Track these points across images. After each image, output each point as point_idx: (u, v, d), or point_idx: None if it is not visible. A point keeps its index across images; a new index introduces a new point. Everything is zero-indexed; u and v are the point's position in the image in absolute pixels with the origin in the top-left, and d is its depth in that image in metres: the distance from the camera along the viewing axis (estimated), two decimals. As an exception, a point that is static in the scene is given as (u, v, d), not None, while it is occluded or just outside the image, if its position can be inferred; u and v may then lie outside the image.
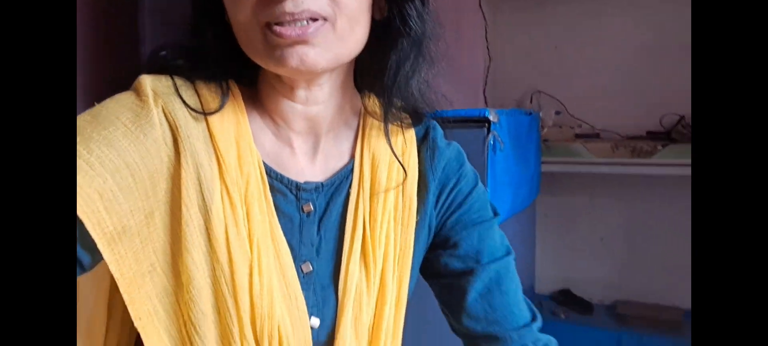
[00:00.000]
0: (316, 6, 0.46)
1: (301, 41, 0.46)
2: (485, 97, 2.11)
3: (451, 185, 0.61)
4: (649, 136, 1.95)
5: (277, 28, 0.46)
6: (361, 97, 0.61)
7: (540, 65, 2.15)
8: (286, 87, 0.53)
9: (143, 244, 0.46)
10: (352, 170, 0.57)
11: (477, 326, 0.59)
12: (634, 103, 2.01)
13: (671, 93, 1.94)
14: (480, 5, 2.02)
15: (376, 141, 0.58)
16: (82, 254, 0.44)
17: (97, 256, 0.44)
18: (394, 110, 0.57)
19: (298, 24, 0.46)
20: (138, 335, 0.58)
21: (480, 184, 0.63)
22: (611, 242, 2.11)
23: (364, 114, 0.60)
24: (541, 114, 1.97)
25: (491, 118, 1.28)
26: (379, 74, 0.55)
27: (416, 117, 0.60)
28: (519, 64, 2.18)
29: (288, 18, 0.45)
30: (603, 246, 2.12)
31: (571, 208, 2.15)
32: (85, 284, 0.55)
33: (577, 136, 2.05)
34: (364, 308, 0.55)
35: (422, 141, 0.62)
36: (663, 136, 1.90)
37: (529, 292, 2.01)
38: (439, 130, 0.63)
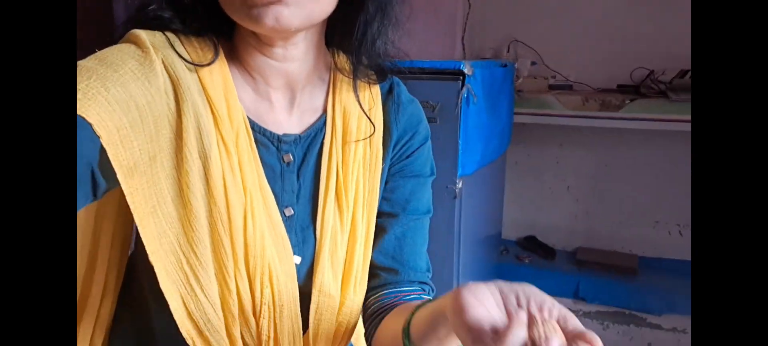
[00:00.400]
0: None
1: (276, 1, 0.49)
2: (463, 45, 2.11)
3: (406, 137, 0.66)
4: (619, 89, 2.00)
5: None
6: (331, 54, 0.64)
7: (519, 14, 2.15)
8: (264, 44, 0.56)
9: (148, 184, 0.49)
10: (325, 123, 0.61)
11: (384, 260, 0.66)
12: (608, 56, 2.04)
13: (644, 47, 1.97)
14: (461, -50, 1.99)
15: (346, 96, 0.62)
16: (99, 179, 0.46)
17: (111, 183, 0.47)
18: (361, 68, 0.61)
19: None
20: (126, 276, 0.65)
21: (429, 142, 0.69)
22: (577, 191, 2.19)
23: (334, 70, 0.63)
24: (516, 64, 1.98)
25: (466, 71, 1.29)
26: (348, 34, 0.59)
27: (381, 74, 0.64)
28: (498, 12, 2.17)
29: None
30: (569, 195, 2.20)
31: (540, 158, 2.21)
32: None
33: (551, 87, 2.08)
34: (338, 245, 0.61)
35: (387, 95, 0.66)
36: (632, 90, 1.94)
37: (497, 237, 2.10)
38: (403, 87, 0.68)
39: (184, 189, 0.51)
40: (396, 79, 0.67)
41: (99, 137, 0.44)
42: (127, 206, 0.49)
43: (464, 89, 1.29)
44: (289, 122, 0.60)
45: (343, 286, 0.63)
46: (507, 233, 2.27)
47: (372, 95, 0.64)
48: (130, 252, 0.67)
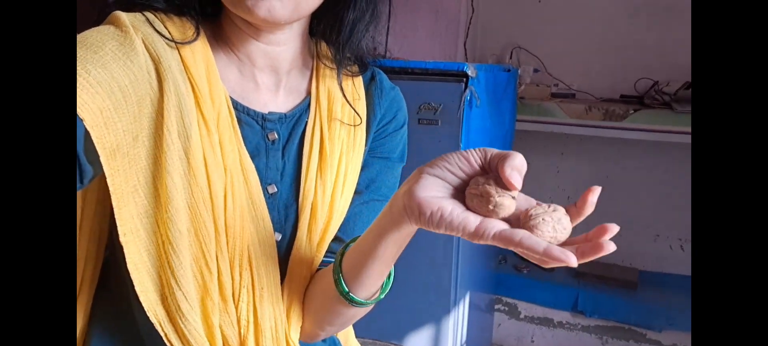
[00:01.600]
0: None
1: None
2: (465, 50, 2.08)
3: (386, 120, 0.68)
4: (622, 99, 1.97)
5: None
6: (314, 42, 0.66)
7: (522, 20, 2.12)
8: (252, 28, 0.58)
9: (130, 164, 0.48)
10: (309, 105, 0.63)
11: (338, 232, 0.67)
12: (611, 66, 2.02)
13: (648, 58, 1.95)
14: (466, -47, 1.96)
15: (330, 81, 0.65)
16: (86, 166, 0.46)
17: (97, 169, 0.46)
18: (345, 61, 0.64)
19: None
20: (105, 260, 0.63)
21: (405, 129, 0.71)
22: (577, 199, 2.15)
23: (317, 58, 0.65)
24: (519, 70, 1.95)
25: (469, 73, 1.26)
26: (333, 28, 0.62)
27: (362, 66, 0.67)
28: (502, 17, 2.15)
29: None
30: (569, 204, 2.16)
31: (540, 166, 2.18)
32: None
33: (553, 95, 2.05)
34: (318, 220, 0.62)
35: (370, 82, 0.69)
36: (635, 101, 1.91)
37: (495, 246, 2.05)
38: (384, 75, 0.71)
39: (162, 171, 0.50)
40: (376, 69, 0.70)
41: (82, 121, 0.43)
42: (107, 197, 0.48)
43: (467, 91, 1.26)
44: (274, 102, 0.62)
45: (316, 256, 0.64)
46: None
47: (355, 87, 0.66)
48: (107, 247, 0.63)
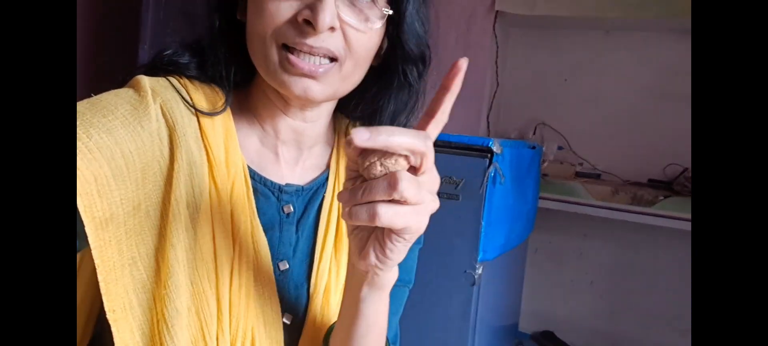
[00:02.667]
0: (333, 46, 0.51)
1: (310, 76, 0.51)
2: (488, 123, 2.06)
3: None
4: (650, 183, 1.90)
5: (292, 58, 0.50)
6: (339, 118, 0.66)
7: (547, 96, 2.10)
8: (282, 102, 0.57)
9: (128, 235, 0.47)
10: (327, 179, 0.62)
11: None
12: (638, 148, 1.97)
13: (677, 142, 1.90)
14: (494, 28, 1.97)
15: None
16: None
17: (83, 242, 0.45)
18: None
19: (312, 60, 0.51)
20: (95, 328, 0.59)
21: None
22: (600, 287, 2.05)
23: (339, 132, 0.65)
24: (543, 148, 1.91)
25: (495, 149, 1.22)
26: (372, 116, 0.62)
27: None
28: (526, 93, 2.13)
29: (306, 49, 0.50)
30: (591, 291, 2.06)
31: (562, 247, 2.09)
32: None
33: (578, 174, 2.00)
34: (331, 303, 0.59)
35: None
36: (664, 186, 1.84)
37: (513, 329, 1.95)
38: None
39: (166, 243, 0.48)
40: None
41: None
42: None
43: (491, 168, 1.21)
44: (292, 175, 0.60)
45: None
46: (524, 325, 2.12)
47: None
48: (96, 324, 0.58)
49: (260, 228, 0.55)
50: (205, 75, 0.56)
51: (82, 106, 0.47)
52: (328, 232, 0.60)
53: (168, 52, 0.55)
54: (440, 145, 1.29)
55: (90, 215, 0.43)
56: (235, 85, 0.58)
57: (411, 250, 0.66)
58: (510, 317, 1.83)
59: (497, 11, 1.96)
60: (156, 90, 0.51)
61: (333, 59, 0.52)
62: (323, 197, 0.61)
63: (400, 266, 0.65)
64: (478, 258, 1.24)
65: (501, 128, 2.16)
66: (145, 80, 0.51)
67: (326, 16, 0.49)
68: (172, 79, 0.54)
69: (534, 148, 1.64)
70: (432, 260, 1.27)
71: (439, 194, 1.38)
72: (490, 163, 1.22)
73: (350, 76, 0.55)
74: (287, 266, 0.58)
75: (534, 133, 2.10)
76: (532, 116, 2.11)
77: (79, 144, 0.43)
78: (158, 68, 0.55)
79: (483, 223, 1.23)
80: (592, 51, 2.05)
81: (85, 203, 0.43)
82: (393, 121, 0.61)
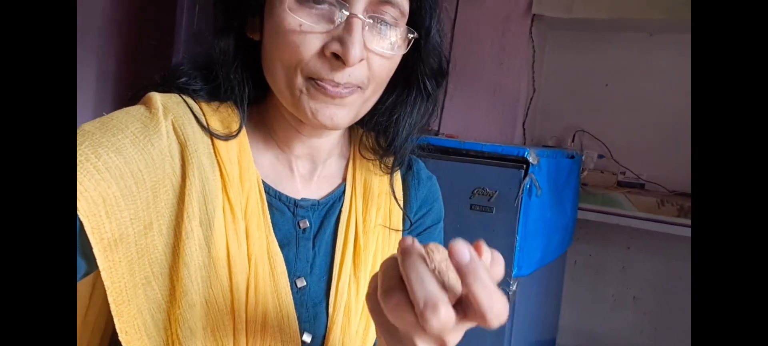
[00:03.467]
0: (358, 78, 0.50)
1: (336, 105, 0.50)
2: (524, 130, 1.99)
3: (421, 212, 0.65)
4: (699, 194, 1.79)
5: (322, 84, 0.49)
6: (355, 131, 0.64)
7: (586, 102, 2.02)
8: (298, 122, 0.56)
9: (140, 254, 0.46)
10: (344, 192, 0.60)
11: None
12: (685, 156, 1.86)
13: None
14: (530, 32, 1.91)
15: (366, 171, 0.62)
16: (79, 262, 0.43)
17: (92, 265, 0.44)
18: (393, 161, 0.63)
19: (338, 89, 0.50)
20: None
21: (441, 225, 0.68)
22: (644, 303, 1.95)
23: (355, 145, 0.63)
24: (583, 156, 1.83)
25: (531, 159, 1.17)
26: (388, 130, 0.60)
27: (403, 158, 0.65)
28: (564, 99, 2.06)
29: (334, 84, 0.49)
30: (635, 306, 1.96)
31: (604, 260, 2.00)
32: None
33: (620, 184, 1.90)
34: (352, 322, 0.57)
35: (407, 171, 0.66)
36: (715, 198, 1.74)
37: (550, 344, 1.87)
38: (421, 164, 0.68)
39: (179, 261, 0.47)
40: (412, 156, 0.68)
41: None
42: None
43: (527, 179, 1.16)
44: (307, 189, 0.59)
45: None
46: (562, 340, 2.03)
47: (398, 184, 0.64)
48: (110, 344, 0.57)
49: (276, 244, 0.54)
50: (219, 96, 0.55)
51: (91, 125, 0.46)
52: (346, 247, 0.58)
53: (182, 79, 0.54)
54: (473, 155, 1.25)
55: (98, 236, 0.42)
56: (251, 101, 0.57)
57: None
58: (547, 332, 1.76)
59: (534, 15, 1.90)
60: (167, 107, 0.50)
61: (358, 86, 0.52)
62: (340, 211, 0.59)
63: None
64: (513, 274, 1.20)
65: (537, 136, 2.09)
66: (157, 97, 0.50)
67: (357, 50, 0.47)
68: (185, 97, 0.53)
69: (573, 157, 1.57)
70: (464, 275, 1.22)
71: (472, 206, 1.34)
72: (526, 174, 1.16)
73: (370, 99, 0.54)
74: (305, 283, 0.56)
75: (573, 141, 2.02)
76: (571, 123, 2.03)
77: (87, 164, 0.42)
78: (170, 86, 0.54)
79: (518, 237, 1.18)
80: (634, 54, 1.96)
81: (92, 225, 0.42)
82: (411, 132, 0.60)
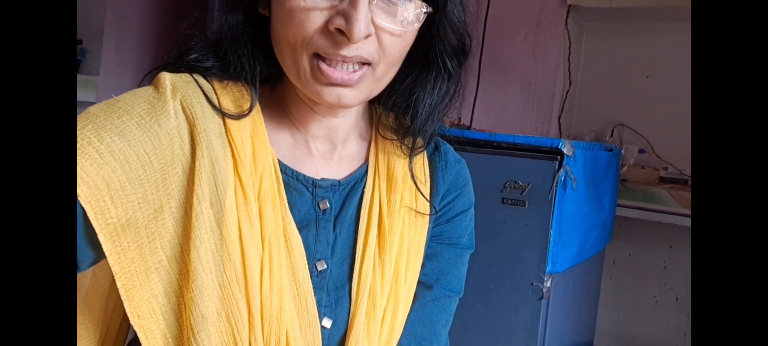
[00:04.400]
0: (367, 52, 0.48)
1: (344, 85, 0.49)
2: (560, 125, 1.93)
3: (450, 196, 0.63)
4: (748, 191, 1.70)
5: (325, 68, 0.48)
6: (375, 110, 0.63)
7: (626, 95, 1.94)
8: (314, 103, 0.55)
9: (150, 238, 0.45)
10: (366, 172, 0.59)
11: (403, 337, 0.59)
12: (734, 151, 1.76)
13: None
14: (566, 23, 1.85)
15: (390, 152, 0.60)
16: (85, 250, 0.43)
17: (100, 253, 0.43)
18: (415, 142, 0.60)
19: (345, 67, 0.48)
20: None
21: (472, 211, 0.65)
22: (688, 304, 1.86)
23: (377, 126, 0.61)
24: (622, 150, 1.76)
25: (565, 150, 1.12)
26: (407, 109, 0.58)
27: (428, 140, 0.62)
28: (602, 92, 1.99)
29: (339, 58, 0.48)
30: (677, 308, 1.87)
31: (644, 259, 1.92)
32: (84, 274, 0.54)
33: (662, 179, 1.82)
34: (377, 308, 0.56)
35: (434, 153, 0.64)
36: (766, 194, 1.64)
37: (587, 347, 1.81)
38: (449, 147, 0.66)
39: (191, 241, 0.47)
40: (439, 138, 0.66)
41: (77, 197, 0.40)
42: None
43: (562, 171, 1.11)
44: (327, 169, 0.58)
45: None
46: (600, 342, 1.96)
47: (424, 167, 0.62)
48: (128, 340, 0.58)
49: (293, 225, 0.52)
50: (230, 77, 0.54)
51: (97, 108, 0.46)
52: (369, 229, 0.56)
53: (192, 56, 0.53)
54: (505, 146, 1.21)
55: (102, 221, 0.42)
56: (264, 79, 0.56)
57: (458, 255, 0.62)
58: (583, 334, 1.69)
59: (569, 5, 1.84)
60: (176, 86, 0.49)
61: (366, 63, 0.50)
62: (362, 192, 0.58)
63: (448, 272, 0.61)
64: (547, 270, 1.15)
65: (574, 131, 2.03)
66: (166, 77, 0.50)
67: (361, 25, 0.46)
68: (197, 76, 0.53)
69: (611, 150, 1.51)
70: (496, 271, 1.19)
71: (504, 199, 1.30)
72: (560, 166, 1.12)
73: (383, 77, 0.52)
74: (325, 267, 0.55)
75: (611, 136, 1.95)
76: (610, 117, 1.96)
77: (89, 149, 0.42)
78: (185, 67, 0.54)
79: (552, 232, 1.13)
80: (676, 44, 1.87)
81: (96, 210, 0.41)
82: (431, 113, 0.58)
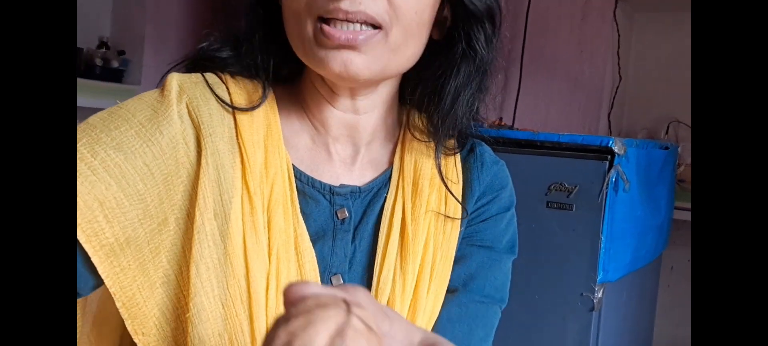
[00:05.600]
0: (373, 9, 0.45)
1: (349, 46, 0.45)
2: (610, 123, 1.84)
3: (486, 199, 0.58)
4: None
5: (326, 28, 0.45)
6: (405, 111, 0.59)
7: (681, 89, 1.83)
8: (329, 91, 0.52)
9: (154, 253, 0.44)
10: (390, 177, 0.55)
11: None
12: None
13: None
14: (614, 15, 1.76)
15: (419, 154, 0.56)
16: (84, 275, 0.41)
17: (100, 279, 0.42)
18: (444, 136, 0.56)
19: (350, 27, 0.45)
20: None
21: (512, 213, 0.60)
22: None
23: (405, 127, 0.57)
24: (679, 148, 1.66)
25: (616, 149, 1.06)
26: (433, 97, 0.54)
27: (461, 141, 0.58)
28: (655, 86, 1.89)
29: (341, 16, 0.44)
30: (745, 318, 1.74)
31: (706, 265, 1.80)
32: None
33: (724, 179, 1.70)
34: None
35: (468, 155, 0.60)
36: None
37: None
38: (487, 148, 0.61)
39: (192, 256, 0.44)
40: (476, 140, 0.61)
41: None
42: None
43: (613, 171, 1.04)
44: (348, 175, 0.54)
45: None
46: (656, 355, 1.85)
47: (455, 167, 0.57)
48: None
49: (306, 236, 0.49)
50: (247, 70, 0.52)
51: (96, 118, 0.45)
52: (390, 237, 0.52)
53: (205, 44, 0.52)
54: (549, 146, 1.14)
55: (97, 243, 0.40)
56: (285, 79, 0.54)
57: (494, 259, 0.57)
58: (640, 345, 1.60)
59: (618, -4, 1.75)
60: (183, 88, 0.48)
61: (376, 27, 0.46)
62: (385, 198, 0.54)
63: (489, 281, 0.56)
64: (598, 279, 1.09)
65: (626, 128, 1.93)
66: (174, 79, 0.48)
67: None
68: (208, 74, 0.50)
69: (667, 148, 1.41)
70: (541, 281, 1.13)
71: (549, 203, 1.22)
72: (611, 166, 1.06)
73: (401, 47, 0.47)
74: (341, 282, 0.52)
75: (666, 133, 1.85)
76: (664, 113, 1.86)
77: (81, 165, 0.40)
78: (198, 64, 0.52)
79: (603, 237, 1.07)
80: (739, 33, 1.75)
81: (88, 233, 0.40)
82: (455, 102, 0.53)
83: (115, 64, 2.04)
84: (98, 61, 2.00)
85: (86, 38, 2.03)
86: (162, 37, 2.06)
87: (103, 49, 2.04)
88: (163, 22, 2.06)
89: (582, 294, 1.08)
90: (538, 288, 1.13)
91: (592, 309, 1.08)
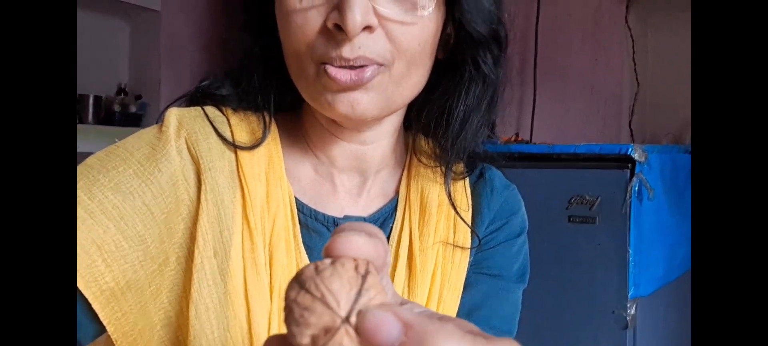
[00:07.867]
0: (374, 51, 0.43)
1: (355, 87, 0.44)
2: (631, 130, 1.78)
3: (495, 224, 0.57)
4: None
5: (331, 70, 0.43)
6: (411, 136, 0.57)
7: (705, 91, 1.76)
8: (334, 125, 0.50)
9: (155, 295, 0.43)
10: (396, 207, 0.54)
11: None
12: None
13: None
14: (626, 21, 1.71)
15: (425, 181, 0.54)
16: (85, 324, 0.40)
17: (101, 326, 0.41)
18: (453, 161, 0.54)
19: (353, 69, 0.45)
20: None
21: (524, 239, 0.58)
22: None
23: (412, 153, 0.55)
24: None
25: (637, 156, 1.01)
26: (440, 121, 0.52)
27: (471, 163, 0.56)
28: (675, 89, 1.82)
29: (343, 63, 0.43)
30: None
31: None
32: None
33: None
34: None
35: (478, 180, 0.58)
36: None
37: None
38: (497, 172, 0.59)
39: (190, 296, 0.43)
40: (485, 165, 0.59)
41: None
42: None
43: (635, 180, 1.00)
44: (353, 206, 0.52)
45: None
46: (701, 371, 1.74)
47: (465, 193, 0.55)
48: None
49: None
50: (248, 105, 0.51)
51: (94, 158, 0.44)
52: (396, 268, 0.51)
53: (205, 83, 0.51)
54: (566, 158, 1.10)
55: (96, 288, 0.39)
56: (286, 108, 0.53)
57: (501, 289, 0.54)
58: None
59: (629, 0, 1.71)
60: (182, 122, 0.47)
61: (379, 64, 0.44)
62: (391, 228, 0.52)
63: (495, 313, 0.54)
64: (630, 294, 1.03)
65: (649, 134, 1.87)
66: (173, 113, 0.47)
67: (355, 14, 0.40)
68: (208, 107, 0.50)
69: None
70: (571, 299, 1.07)
71: (571, 217, 1.16)
72: (633, 174, 1.00)
73: (405, 78, 0.46)
74: None
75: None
76: (688, 116, 1.78)
77: (78, 209, 0.39)
78: (198, 101, 0.51)
79: (631, 250, 1.02)
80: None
81: (86, 278, 0.39)
82: (465, 123, 0.51)
83: (133, 109, 2.08)
84: (117, 107, 2.05)
85: (105, 86, 2.08)
86: (177, 79, 2.10)
87: (121, 96, 2.09)
88: (178, 64, 2.10)
89: (614, 312, 1.03)
90: (567, 308, 1.07)
91: (626, 327, 1.02)
